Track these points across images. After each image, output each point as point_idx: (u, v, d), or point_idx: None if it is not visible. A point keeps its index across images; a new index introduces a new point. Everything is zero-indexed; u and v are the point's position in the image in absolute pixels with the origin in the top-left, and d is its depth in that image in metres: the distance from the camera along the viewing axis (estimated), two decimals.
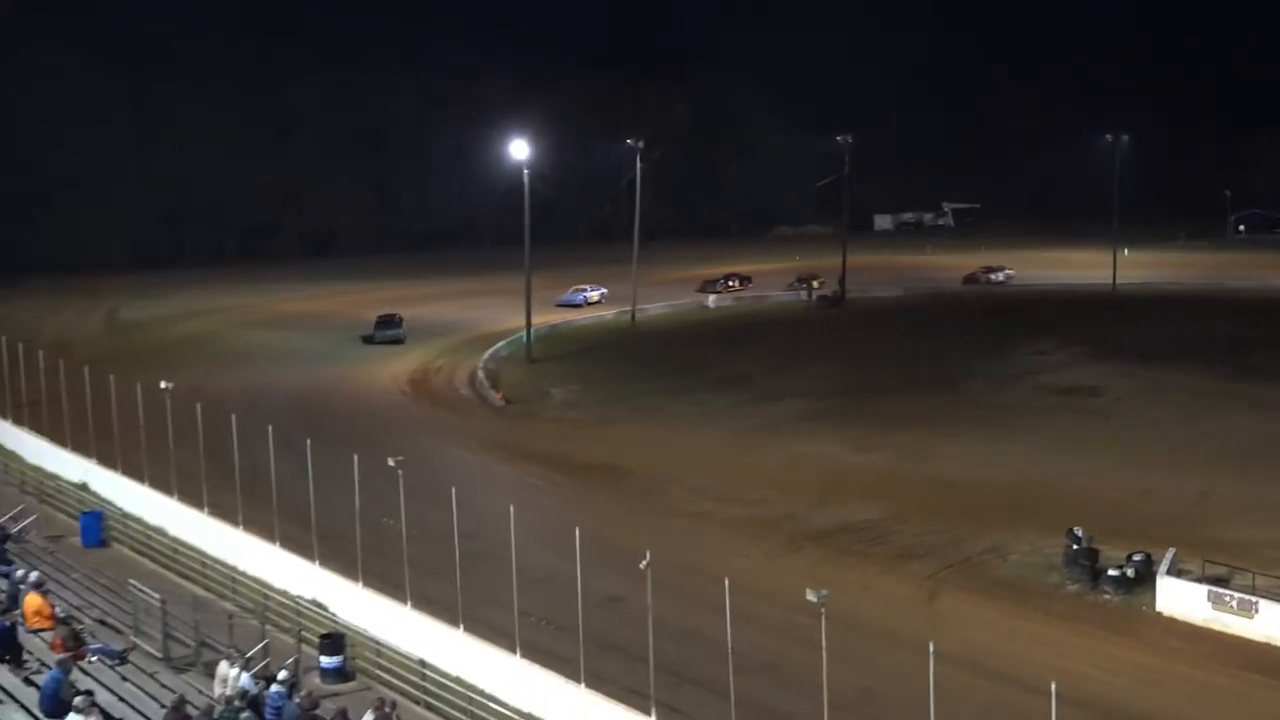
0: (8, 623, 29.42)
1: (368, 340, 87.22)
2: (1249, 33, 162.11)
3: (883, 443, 59.24)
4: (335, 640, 35.02)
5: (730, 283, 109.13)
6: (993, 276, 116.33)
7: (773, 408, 67.06)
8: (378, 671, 34.70)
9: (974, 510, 48.46)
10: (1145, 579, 40.50)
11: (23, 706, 25.51)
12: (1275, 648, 36.40)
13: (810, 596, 26.13)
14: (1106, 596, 40.86)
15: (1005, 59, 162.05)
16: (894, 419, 63.71)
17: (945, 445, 58.87)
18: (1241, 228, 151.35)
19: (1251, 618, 37.81)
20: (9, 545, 39.02)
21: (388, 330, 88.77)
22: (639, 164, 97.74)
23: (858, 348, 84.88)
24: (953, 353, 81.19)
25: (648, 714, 29.51)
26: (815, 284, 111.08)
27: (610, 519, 41.32)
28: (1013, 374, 74.69)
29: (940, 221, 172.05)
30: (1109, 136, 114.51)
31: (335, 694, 31.69)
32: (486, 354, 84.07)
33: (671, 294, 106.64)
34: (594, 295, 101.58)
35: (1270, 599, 37.64)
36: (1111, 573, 41.45)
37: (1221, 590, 38.79)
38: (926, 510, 48.93)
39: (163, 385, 46.23)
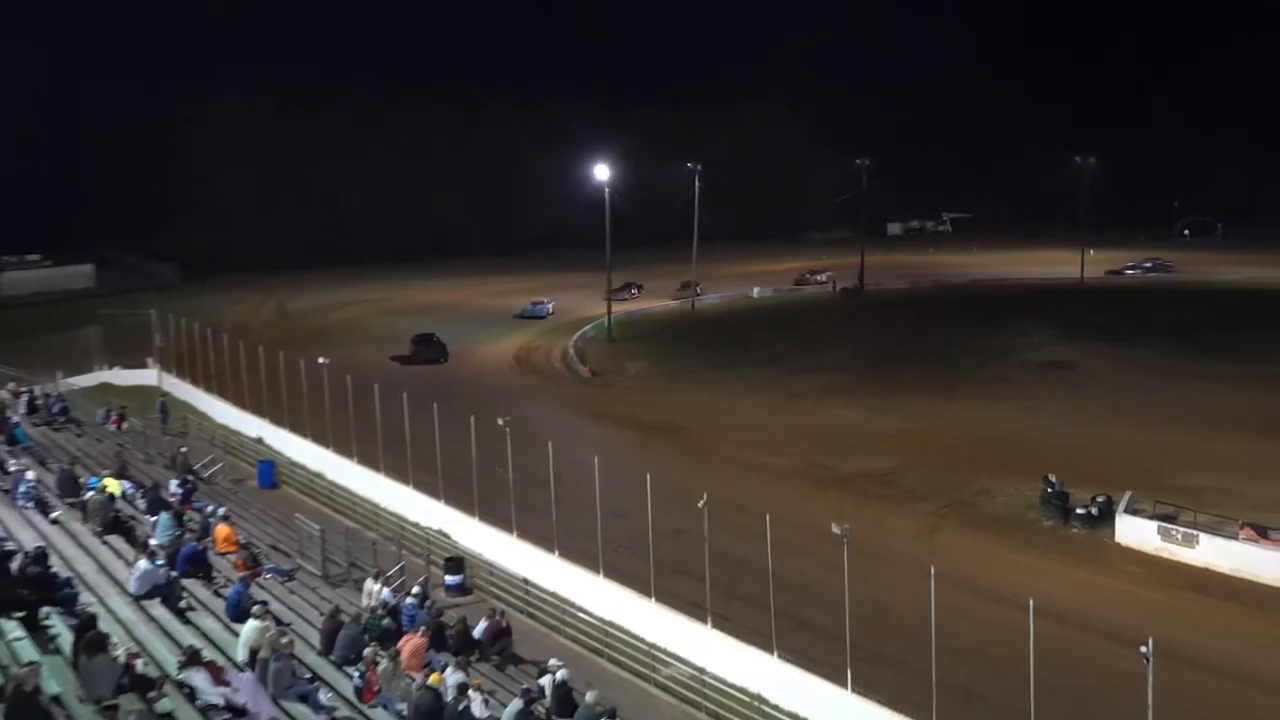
0: (200, 547, 29.87)
1: (518, 316, 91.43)
2: (1203, 62, 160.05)
3: (894, 407, 58.99)
4: (457, 562, 35.40)
5: (632, 290, 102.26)
6: (818, 278, 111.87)
7: (804, 379, 66.89)
8: (490, 587, 35.10)
9: (968, 461, 48.27)
10: (1106, 516, 40.22)
11: (212, 613, 25.91)
12: (1211, 571, 36.23)
13: (835, 530, 26.16)
14: (1075, 530, 40.61)
15: (994, 90, 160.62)
16: (903, 388, 63.42)
17: (945, 409, 58.55)
18: (1186, 231, 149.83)
19: (1193, 548, 37.49)
20: (202, 486, 39.66)
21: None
22: (696, 183, 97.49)
23: (873, 331, 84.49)
24: (951, 335, 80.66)
25: (705, 622, 29.72)
26: (819, 276, 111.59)
27: (674, 468, 41.45)
28: (1000, 352, 74.09)
29: (940, 228, 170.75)
30: (1078, 158, 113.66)
31: (456, 604, 32.13)
32: (575, 335, 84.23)
33: (726, 287, 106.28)
34: (551, 306, 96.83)
35: (1208, 532, 37.40)
36: (1079, 511, 41.19)
37: (1169, 525, 38.48)
38: (929, 461, 48.81)
39: (320, 361, 46.80)
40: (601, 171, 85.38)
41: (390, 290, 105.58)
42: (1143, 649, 20.40)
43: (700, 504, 28.84)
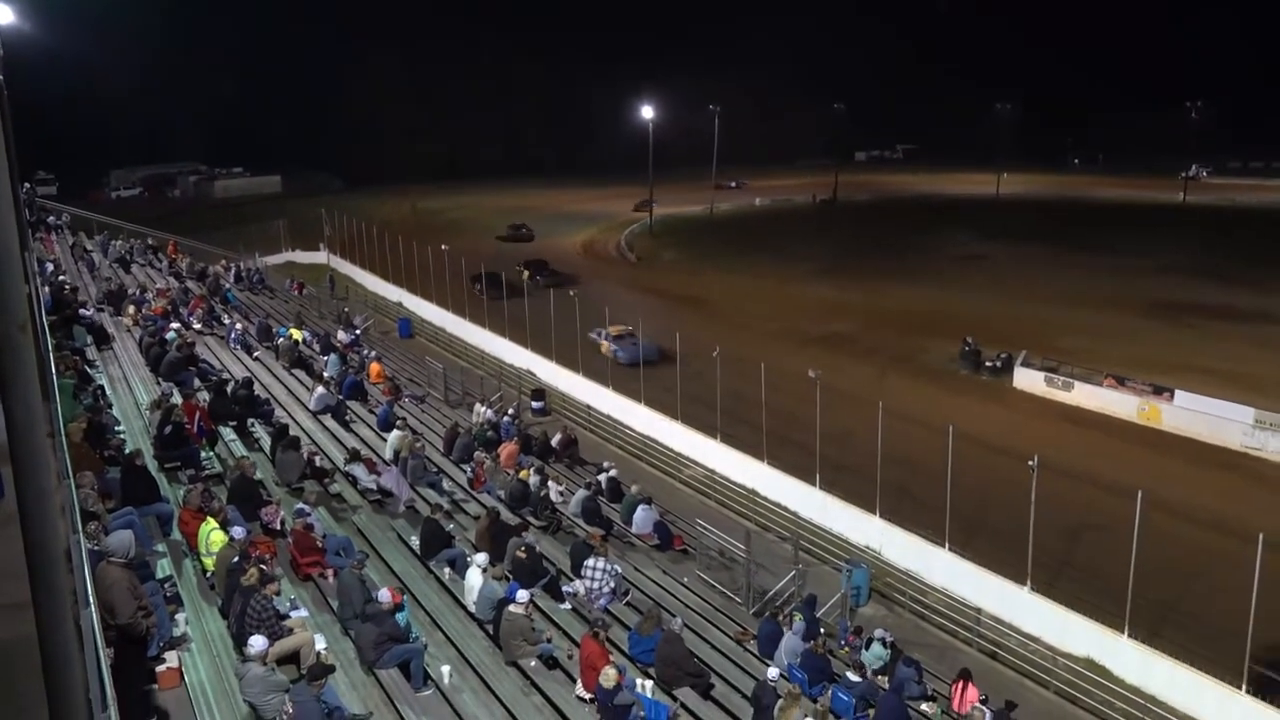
0: (359, 378, 30.26)
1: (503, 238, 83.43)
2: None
3: (856, 287, 58.27)
4: (539, 392, 35.72)
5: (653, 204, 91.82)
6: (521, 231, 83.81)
7: (792, 266, 65.99)
8: (563, 410, 35.45)
9: (908, 327, 47.85)
10: (1007, 368, 40.01)
11: (368, 425, 26.35)
12: (1081, 409, 36.17)
13: (810, 374, 26.13)
14: (984, 378, 40.45)
15: (939, 45, 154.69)
16: (863, 273, 62.53)
17: (893, 289, 57.81)
18: (1076, 160, 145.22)
19: (1070, 391, 37.32)
20: (360, 334, 39.96)
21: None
22: (716, 122, 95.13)
23: (842, 231, 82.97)
24: (899, 234, 79.17)
25: (715, 438, 29.98)
26: (731, 184, 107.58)
27: (696, 328, 41.12)
28: (934, 247, 72.78)
29: (894, 156, 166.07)
30: (998, 105, 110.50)
31: (538, 422, 32.46)
32: (625, 232, 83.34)
33: (737, 199, 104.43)
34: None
35: (1080, 381, 37.21)
36: (987, 364, 40.97)
37: (1053, 375, 38.26)
38: (880, 327, 48.41)
39: (443, 247, 46.75)
40: (648, 111, 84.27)
41: (493, 198, 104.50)
42: (1030, 463, 20.40)
43: (714, 354, 28.84)
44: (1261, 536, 16.97)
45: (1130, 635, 19.24)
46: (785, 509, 26.63)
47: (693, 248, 76.26)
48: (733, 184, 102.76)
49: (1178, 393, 34.40)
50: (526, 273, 56.57)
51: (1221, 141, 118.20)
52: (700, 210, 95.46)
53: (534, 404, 34.83)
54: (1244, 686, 17.30)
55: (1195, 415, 33.29)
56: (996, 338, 42.85)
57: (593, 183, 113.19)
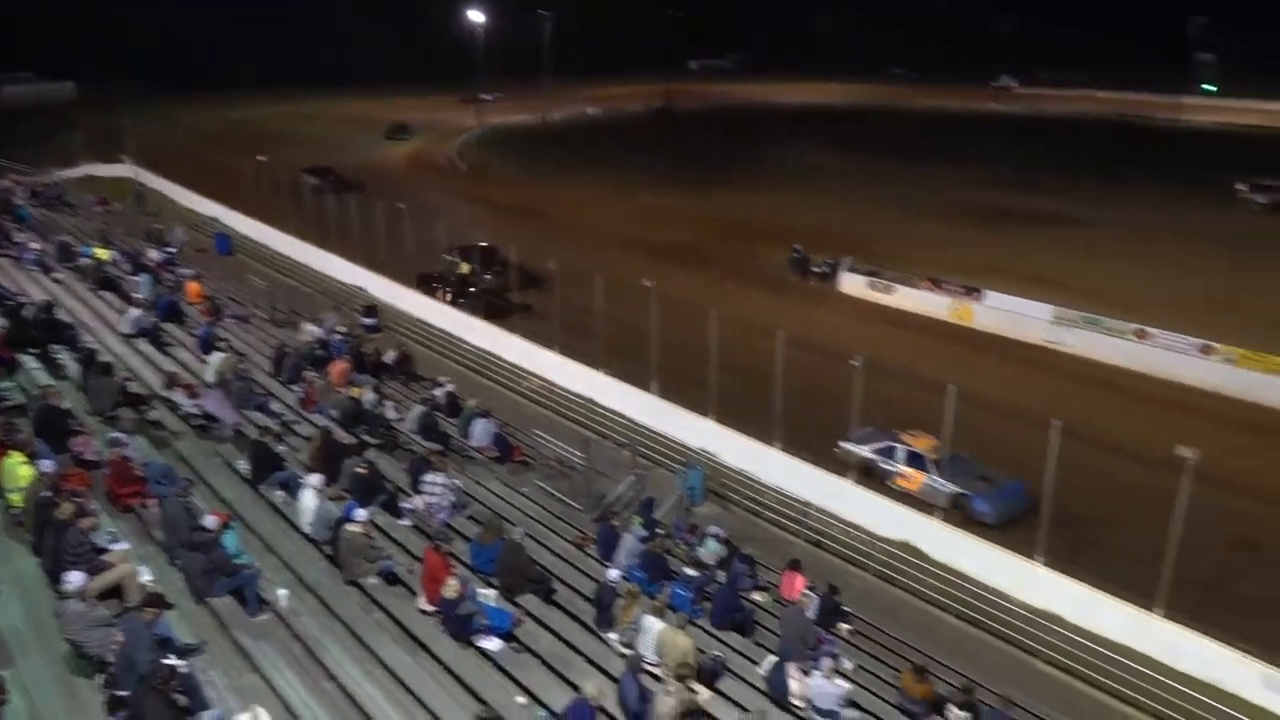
0: (175, 299, 28.69)
1: (389, 137, 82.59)
2: None
3: (693, 197, 58.87)
4: (371, 308, 34.79)
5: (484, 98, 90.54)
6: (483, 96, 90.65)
7: (631, 176, 65.78)
8: (397, 325, 34.69)
9: (744, 235, 48.95)
10: (833, 273, 41.56)
11: (188, 349, 25.15)
12: (901, 310, 38.03)
13: (646, 283, 26.46)
14: (812, 283, 41.93)
15: None
16: (700, 184, 62.93)
17: (729, 198, 58.72)
18: (897, 71, 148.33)
19: (891, 294, 39.18)
20: (173, 251, 37.59)
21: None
22: (548, 26, 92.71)
23: (679, 142, 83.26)
24: (732, 143, 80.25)
25: (553, 349, 30.08)
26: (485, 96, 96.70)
27: (535, 240, 40.71)
28: (769, 157, 74.18)
29: (727, 66, 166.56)
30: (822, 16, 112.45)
31: (372, 339, 31.66)
32: (455, 141, 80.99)
33: (571, 108, 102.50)
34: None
35: (900, 284, 39.08)
36: (815, 270, 42.44)
37: (875, 279, 40.01)
38: (716, 235, 49.30)
39: (259, 159, 44.35)
40: (476, 16, 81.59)
41: (314, 106, 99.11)
42: (853, 362, 21.41)
43: (551, 264, 28.71)
44: (1061, 424, 18.49)
45: (947, 520, 20.86)
46: (623, 416, 27.11)
47: (526, 158, 74.89)
48: (488, 97, 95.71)
49: (987, 293, 36.71)
50: (313, 180, 53.22)
51: (1031, 55, 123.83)
52: (532, 119, 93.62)
53: (365, 320, 33.89)
54: (1038, 557, 19.06)
55: (1002, 314, 35.69)
56: (824, 244, 44.26)
57: (420, 92, 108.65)
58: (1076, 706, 16.41)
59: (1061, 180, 62.59)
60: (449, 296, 36.34)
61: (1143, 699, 16.62)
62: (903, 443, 23.74)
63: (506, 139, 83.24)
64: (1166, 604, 17.21)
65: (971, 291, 37.14)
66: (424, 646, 13.09)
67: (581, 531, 18.99)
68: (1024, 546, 19.35)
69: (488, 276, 37.37)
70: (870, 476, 23.50)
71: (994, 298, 36.48)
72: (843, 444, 24.18)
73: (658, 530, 18.78)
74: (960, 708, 14.04)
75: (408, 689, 12.07)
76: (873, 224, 51.32)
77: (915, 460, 23.26)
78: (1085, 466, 21.46)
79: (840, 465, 23.34)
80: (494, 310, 34.08)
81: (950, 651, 17.24)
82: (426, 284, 37.37)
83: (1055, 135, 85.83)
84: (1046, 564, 18.93)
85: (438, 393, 24.89)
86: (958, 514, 21.89)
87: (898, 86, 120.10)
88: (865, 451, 24.15)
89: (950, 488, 22.52)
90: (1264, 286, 40.23)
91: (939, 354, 32.42)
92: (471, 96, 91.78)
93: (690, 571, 16.65)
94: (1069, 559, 19.05)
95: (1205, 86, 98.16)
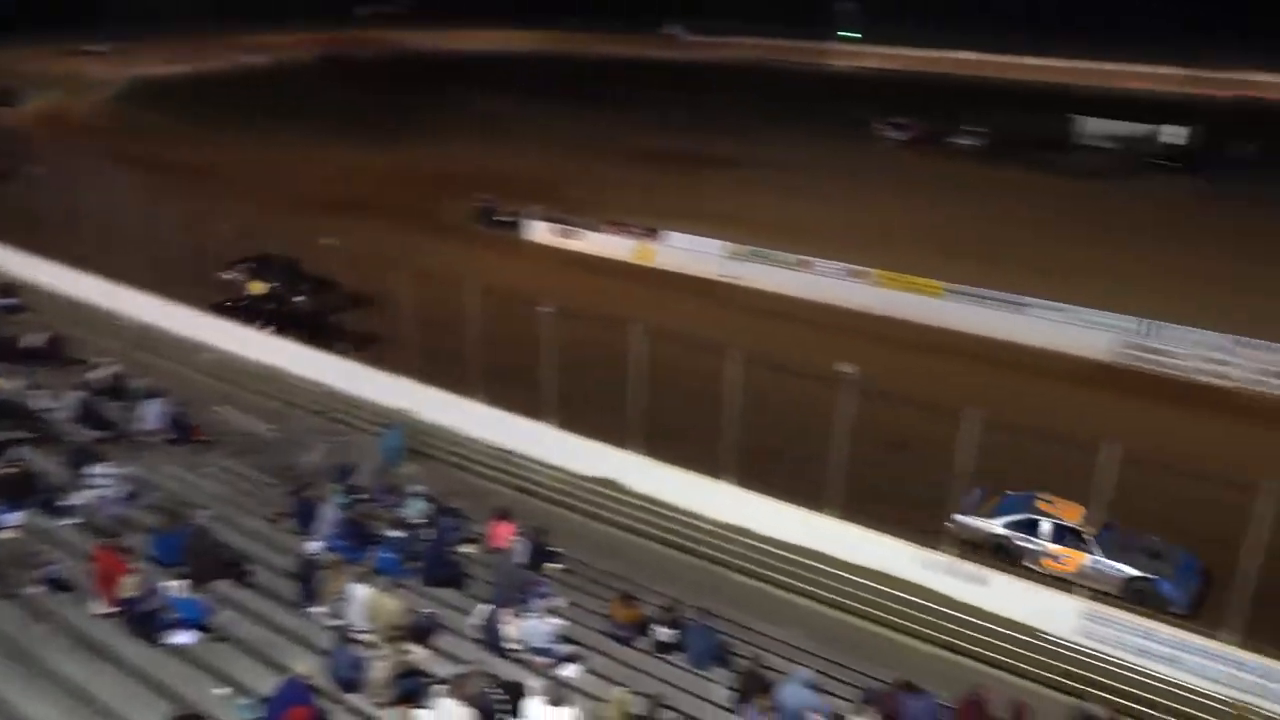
0: None
1: None
2: None
3: (369, 149, 56.59)
4: (9, 288, 30.82)
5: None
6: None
7: (302, 129, 61.95)
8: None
9: (425, 187, 48.09)
10: (520, 223, 41.92)
11: None
12: (589, 256, 39.20)
13: (324, 241, 25.33)
14: (501, 233, 42.05)
15: None
16: (376, 136, 60.46)
17: (412, 151, 57.24)
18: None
19: (577, 240, 40.23)
20: None
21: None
22: None
23: (351, 92, 79.11)
24: (410, 93, 77.83)
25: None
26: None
27: (208, 200, 37.17)
28: (446, 105, 72.76)
29: (398, 10, 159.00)
30: None
31: (11, 322, 28.04)
32: (95, 99, 72.55)
33: (226, 58, 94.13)
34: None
35: (584, 230, 40.23)
36: (499, 220, 42.64)
37: (561, 225, 40.87)
38: (397, 188, 48.05)
39: None
40: None
41: None
42: (542, 308, 21.84)
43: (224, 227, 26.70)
44: (742, 355, 19.90)
45: (643, 453, 21.84)
46: (314, 383, 26.01)
47: (186, 114, 68.43)
48: (97, 49, 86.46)
49: (666, 234, 38.57)
50: None
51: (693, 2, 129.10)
52: (186, 70, 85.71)
53: (2, 301, 29.96)
54: (727, 477, 20.54)
55: (680, 253, 37.72)
56: (512, 193, 44.31)
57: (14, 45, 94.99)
58: (767, 608, 17.93)
59: (736, 123, 66.45)
60: (271, 328, 28.40)
61: (823, 593, 18.49)
62: (1045, 514, 19.38)
63: (159, 94, 75.72)
64: (838, 505, 19.17)
65: (651, 233, 38.84)
66: (103, 653, 12.05)
67: (277, 507, 18.13)
68: (712, 468, 20.71)
69: (298, 299, 30.11)
70: (1003, 556, 19.27)
71: (673, 237, 38.41)
72: (958, 518, 19.57)
73: (358, 496, 18.31)
74: (666, 626, 14.96)
75: (89, 701, 11.09)
76: (559, 172, 51.95)
77: (1067, 536, 18.93)
78: (762, 389, 23.22)
79: (541, 409, 23.57)
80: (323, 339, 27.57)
81: (654, 575, 18.21)
82: (230, 314, 29.36)
83: (716, 82, 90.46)
84: (736, 482, 20.40)
85: (97, 375, 22.61)
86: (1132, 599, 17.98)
87: (573, 33, 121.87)
88: (995, 528, 19.63)
89: (1125, 570, 18.31)
90: (905, 213, 45.20)
91: (625, 294, 33.43)
92: (75, 49, 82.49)
93: (395, 533, 16.42)
94: (757, 476, 20.59)
95: (844, 33, 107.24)
